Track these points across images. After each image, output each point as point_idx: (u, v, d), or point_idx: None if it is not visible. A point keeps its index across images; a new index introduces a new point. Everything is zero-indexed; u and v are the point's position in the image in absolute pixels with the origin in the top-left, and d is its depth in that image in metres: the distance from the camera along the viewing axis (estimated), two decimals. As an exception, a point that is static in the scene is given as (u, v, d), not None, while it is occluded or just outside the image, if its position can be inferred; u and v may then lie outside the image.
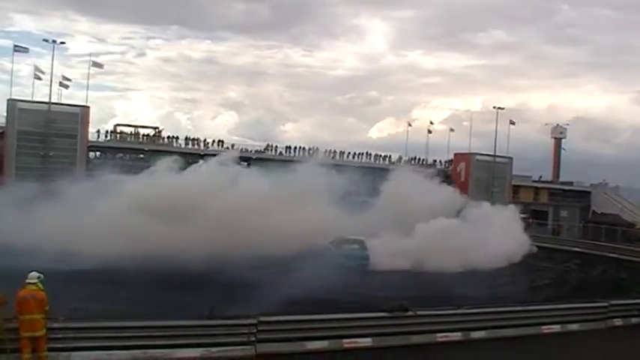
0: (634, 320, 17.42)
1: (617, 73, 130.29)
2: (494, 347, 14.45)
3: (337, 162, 62.05)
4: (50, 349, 10.91)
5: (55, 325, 11.14)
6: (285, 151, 70.93)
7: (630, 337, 16.40)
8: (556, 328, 16.09)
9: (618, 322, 17.28)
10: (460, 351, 14.04)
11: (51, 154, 55.26)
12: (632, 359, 14.33)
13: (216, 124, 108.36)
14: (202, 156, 69.09)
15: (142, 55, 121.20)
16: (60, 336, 11.20)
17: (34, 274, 11.06)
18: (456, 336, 14.64)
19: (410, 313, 14.20)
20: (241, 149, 71.40)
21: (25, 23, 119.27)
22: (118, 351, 11.54)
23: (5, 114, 55.46)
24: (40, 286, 10.99)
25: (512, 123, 68.38)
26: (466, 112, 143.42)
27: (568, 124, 74.90)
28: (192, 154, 68.72)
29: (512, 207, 36.43)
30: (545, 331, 15.86)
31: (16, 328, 10.67)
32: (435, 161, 64.28)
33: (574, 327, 16.40)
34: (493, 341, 14.75)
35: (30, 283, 10.89)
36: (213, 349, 12.19)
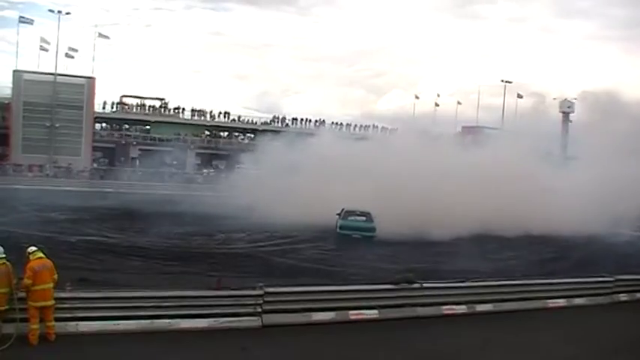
0: (639, 295, 17.40)
1: (627, 47, 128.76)
2: (499, 320, 14.49)
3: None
4: (57, 319, 11.00)
5: (63, 294, 11.20)
6: (292, 123, 70.81)
7: (635, 312, 16.40)
8: (561, 302, 16.12)
9: (624, 297, 17.29)
10: (465, 324, 14.07)
11: (57, 125, 55.38)
12: (637, 333, 14.31)
13: (222, 95, 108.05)
14: (208, 127, 69.34)
15: (148, 26, 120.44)
16: (67, 305, 11.27)
17: (32, 248, 11.21)
18: (462, 309, 14.68)
19: (416, 285, 14.22)
20: (248, 121, 71.43)
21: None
22: (125, 321, 11.61)
23: (11, 85, 55.50)
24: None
25: (519, 96, 67.96)
26: (474, 85, 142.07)
27: (576, 99, 74.04)
28: (199, 125, 68.79)
29: None
30: (551, 305, 15.89)
31: (24, 298, 10.76)
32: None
33: (580, 301, 16.41)
34: (499, 314, 14.79)
35: (35, 252, 11.01)
36: (220, 320, 12.27)
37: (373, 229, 24.86)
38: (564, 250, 25.34)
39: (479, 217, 26.78)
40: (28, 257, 11.00)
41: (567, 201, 29.09)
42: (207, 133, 69.76)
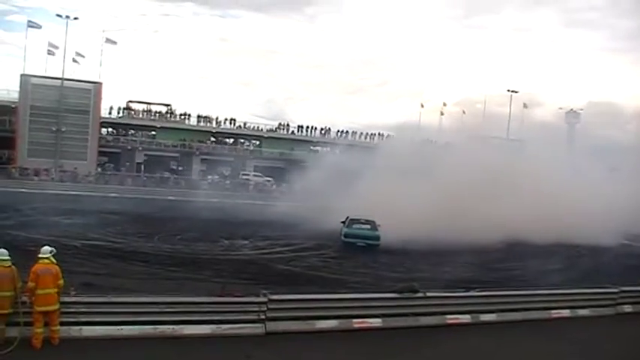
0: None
1: (634, 58, 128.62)
2: (503, 330, 14.43)
3: (350, 142, 62.26)
4: (62, 324, 11.02)
5: (67, 299, 11.22)
6: (297, 131, 70.91)
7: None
8: (565, 312, 16.04)
9: (628, 308, 17.20)
10: (469, 333, 14.02)
11: (63, 129, 55.60)
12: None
13: (228, 102, 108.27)
14: (214, 134, 69.49)
15: (156, 31, 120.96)
16: (72, 310, 11.28)
17: (47, 248, 11.17)
18: (466, 318, 14.63)
19: (419, 294, 14.19)
20: (253, 127, 71.53)
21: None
22: (128, 326, 11.63)
23: (18, 89, 55.77)
24: (53, 260, 11.10)
25: (525, 107, 67.99)
26: (480, 95, 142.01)
27: (582, 110, 73.94)
28: (204, 131, 68.96)
29: None
30: (555, 315, 15.82)
31: (28, 302, 10.78)
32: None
33: (584, 312, 16.33)
34: (503, 324, 14.73)
35: (43, 258, 10.99)
36: (223, 327, 12.26)
37: (377, 238, 24.85)
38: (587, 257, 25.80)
39: (513, 224, 27.19)
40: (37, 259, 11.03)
41: (604, 209, 29.47)
42: (212, 139, 69.87)
